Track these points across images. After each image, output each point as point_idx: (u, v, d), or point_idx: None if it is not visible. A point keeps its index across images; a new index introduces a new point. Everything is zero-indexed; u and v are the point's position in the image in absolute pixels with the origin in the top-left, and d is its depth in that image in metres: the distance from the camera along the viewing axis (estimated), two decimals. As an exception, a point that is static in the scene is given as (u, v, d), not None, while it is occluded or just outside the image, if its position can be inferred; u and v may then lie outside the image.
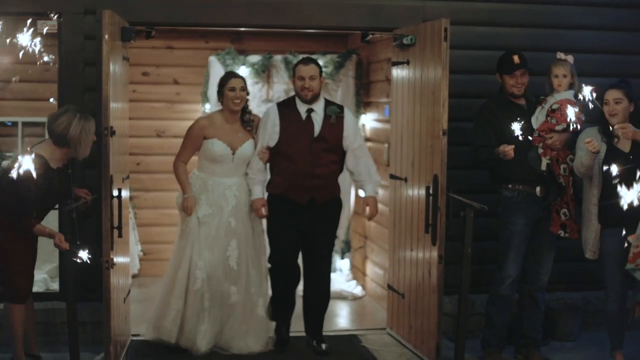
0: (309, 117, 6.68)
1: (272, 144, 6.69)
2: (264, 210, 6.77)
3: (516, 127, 6.22)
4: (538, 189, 6.49)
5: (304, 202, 6.63)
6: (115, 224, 6.08)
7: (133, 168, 8.89)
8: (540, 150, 6.44)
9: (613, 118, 6.17)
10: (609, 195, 6.16)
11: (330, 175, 6.74)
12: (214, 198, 6.75)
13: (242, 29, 8.22)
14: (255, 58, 8.97)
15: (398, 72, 7.18)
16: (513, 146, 6.22)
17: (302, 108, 6.70)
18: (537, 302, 6.74)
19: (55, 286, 7.50)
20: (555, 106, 6.42)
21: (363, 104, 9.02)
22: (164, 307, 6.78)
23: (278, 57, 8.96)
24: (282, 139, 6.67)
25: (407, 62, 6.95)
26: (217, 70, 8.85)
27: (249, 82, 8.54)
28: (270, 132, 6.69)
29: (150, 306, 7.31)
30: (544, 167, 6.43)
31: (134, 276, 8.83)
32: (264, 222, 6.96)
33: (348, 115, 6.86)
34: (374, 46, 8.51)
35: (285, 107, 6.78)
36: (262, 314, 6.84)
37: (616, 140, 6.21)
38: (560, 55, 6.58)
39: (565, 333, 7.37)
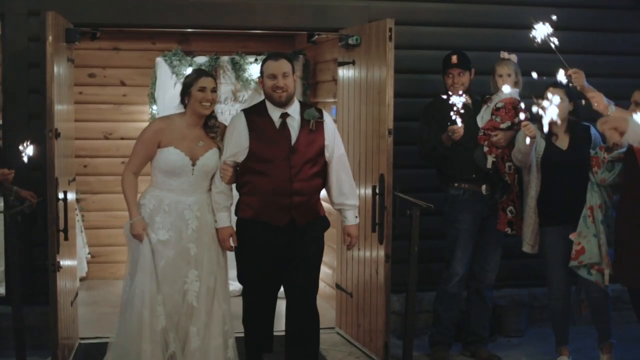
0: (284, 124, 5.62)
1: (241, 158, 5.62)
2: (232, 241, 5.73)
3: (462, 125, 6.28)
4: (484, 187, 6.55)
5: (283, 223, 5.59)
6: (61, 226, 6.04)
7: (80, 170, 8.84)
8: (486, 149, 6.50)
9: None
10: (547, 194, 6.27)
11: (312, 191, 5.68)
12: (172, 220, 5.63)
13: (189, 30, 8.21)
14: (202, 59, 8.94)
15: (344, 72, 7.22)
16: (462, 125, 6.27)
17: (275, 113, 5.62)
18: (484, 300, 6.81)
19: (1, 290, 7.43)
20: (499, 104, 6.49)
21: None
22: (130, 354, 5.61)
23: (225, 58, 8.94)
24: (253, 152, 5.58)
25: (353, 62, 6.98)
26: (164, 71, 8.83)
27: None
28: (237, 146, 5.62)
29: (97, 309, 7.25)
30: (489, 165, 6.48)
31: (81, 279, 8.77)
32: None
33: (328, 119, 5.80)
34: (321, 46, 8.53)
35: (255, 115, 5.68)
36: (232, 356, 5.82)
37: (555, 137, 6.31)
38: (504, 54, 6.65)
39: (512, 329, 7.46)
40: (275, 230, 5.62)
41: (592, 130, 6.36)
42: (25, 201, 6.17)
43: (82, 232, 9.16)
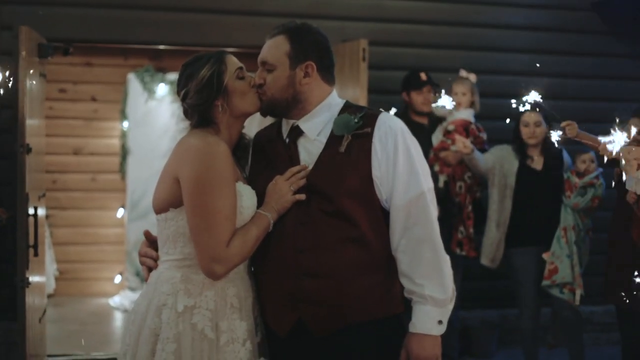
0: (291, 145, 3.28)
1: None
2: None
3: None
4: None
5: (284, 330, 3.18)
6: (31, 242, 5.97)
7: (49, 186, 8.76)
8: (437, 168, 6.48)
9: (532, 140, 6.28)
10: (520, 214, 6.29)
11: (343, 270, 3.13)
12: (247, 326, 3.19)
13: (162, 46, 8.21)
14: (174, 76, 8.89)
15: (318, 92, 7.18)
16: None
17: (285, 129, 3.34)
18: (450, 321, 6.75)
19: (-32, 306, 7.35)
20: (450, 127, 6.49)
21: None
22: None
23: (198, 76, 8.89)
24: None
25: (327, 82, 6.95)
26: (135, 88, 8.80)
27: (168, 100, 8.53)
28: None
29: (65, 326, 7.15)
30: (441, 184, 6.45)
31: (49, 296, 8.68)
32: None
33: (385, 130, 3.18)
34: (296, 65, 8.51)
35: (266, 133, 3.47)
36: None
37: (530, 160, 6.33)
38: (462, 73, 6.67)
39: (481, 351, 7.44)
40: (280, 344, 3.24)
41: (564, 153, 6.41)
42: (-4, 216, 6.12)
43: (50, 248, 9.08)
